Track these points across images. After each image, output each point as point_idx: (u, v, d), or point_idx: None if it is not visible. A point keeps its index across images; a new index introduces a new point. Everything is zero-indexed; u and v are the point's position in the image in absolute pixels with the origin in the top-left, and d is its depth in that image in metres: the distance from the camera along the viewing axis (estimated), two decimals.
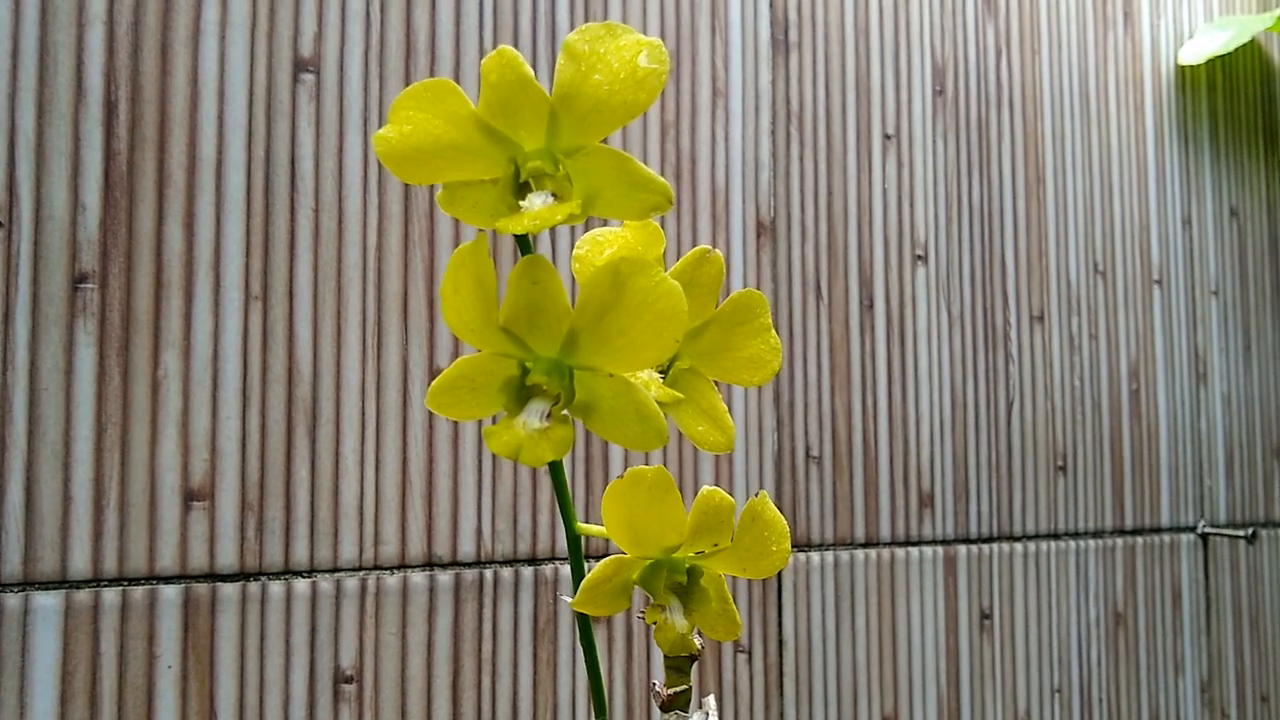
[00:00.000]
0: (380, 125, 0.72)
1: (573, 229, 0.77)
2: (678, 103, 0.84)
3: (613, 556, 0.34)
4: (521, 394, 0.31)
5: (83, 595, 0.61)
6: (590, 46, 0.29)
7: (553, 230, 0.76)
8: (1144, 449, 1.14)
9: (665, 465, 0.70)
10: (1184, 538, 1.16)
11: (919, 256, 0.97)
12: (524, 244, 0.32)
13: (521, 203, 0.30)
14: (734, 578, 0.37)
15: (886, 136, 0.96)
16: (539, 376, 0.31)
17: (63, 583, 0.61)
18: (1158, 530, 1.14)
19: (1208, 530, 1.18)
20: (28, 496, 0.60)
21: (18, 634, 0.60)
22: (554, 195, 0.29)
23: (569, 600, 0.36)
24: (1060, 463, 1.06)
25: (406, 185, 0.72)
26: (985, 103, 1.04)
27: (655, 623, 0.36)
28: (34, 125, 0.62)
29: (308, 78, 0.70)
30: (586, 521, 0.48)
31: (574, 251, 0.35)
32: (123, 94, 0.64)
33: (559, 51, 0.30)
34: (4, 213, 0.61)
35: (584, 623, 0.37)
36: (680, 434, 0.65)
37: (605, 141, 0.30)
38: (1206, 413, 1.20)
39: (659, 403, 0.32)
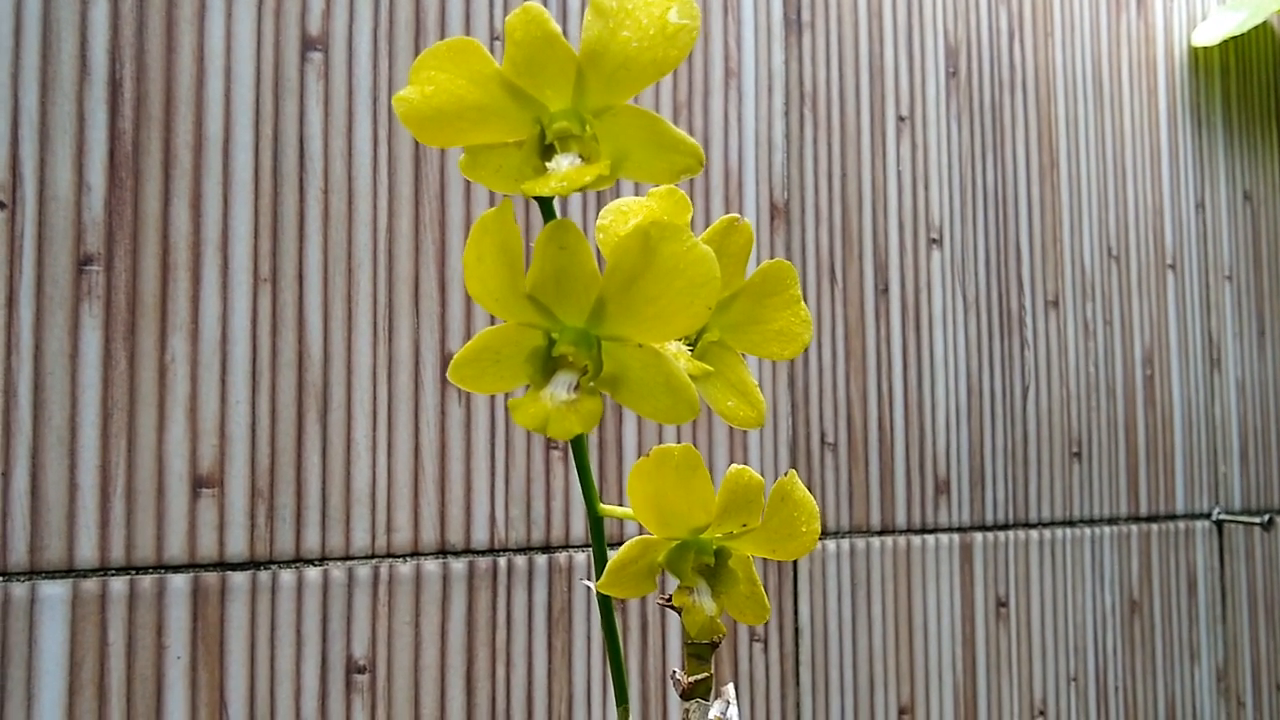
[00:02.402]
0: (390, 104, 0.70)
1: (597, 199, 0.76)
2: (690, 83, 0.83)
3: (639, 538, 0.33)
4: (548, 365, 0.30)
5: (90, 584, 0.60)
6: (618, 2, 0.28)
7: (575, 200, 0.75)
8: (1158, 435, 1.12)
9: None
10: (1199, 524, 1.15)
11: (934, 240, 0.96)
12: (548, 210, 0.31)
13: (548, 165, 0.28)
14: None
15: (900, 118, 0.95)
16: (566, 347, 0.30)
17: (69, 572, 0.60)
18: (1173, 517, 1.13)
19: (1223, 517, 1.17)
20: (33, 484, 0.59)
21: (24, 624, 0.59)
22: (581, 157, 0.28)
23: (592, 585, 0.35)
24: (1075, 449, 1.05)
25: (417, 165, 0.71)
26: (999, 85, 1.03)
27: (683, 606, 0.34)
28: (37, 104, 0.61)
29: (316, 56, 0.68)
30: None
31: (598, 222, 0.34)
32: (128, 72, 0.63)
33: (585, 10, 0.29)
34: (7, 193, 0.60)
35: (606, 606, 0.36)
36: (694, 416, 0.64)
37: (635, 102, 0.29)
38: (1221, 398, 1.19)
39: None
